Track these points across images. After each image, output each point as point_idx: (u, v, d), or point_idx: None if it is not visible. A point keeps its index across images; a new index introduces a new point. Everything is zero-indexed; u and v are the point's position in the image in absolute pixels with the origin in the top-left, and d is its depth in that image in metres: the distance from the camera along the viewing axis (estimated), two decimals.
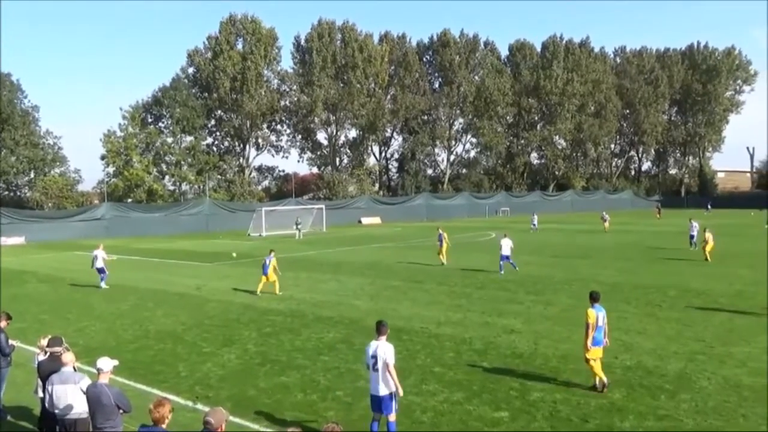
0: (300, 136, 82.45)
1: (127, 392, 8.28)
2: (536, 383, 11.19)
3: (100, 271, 24.12)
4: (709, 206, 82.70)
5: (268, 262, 21.43)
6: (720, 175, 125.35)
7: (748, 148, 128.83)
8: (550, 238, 43.98)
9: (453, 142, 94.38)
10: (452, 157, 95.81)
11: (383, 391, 8.33)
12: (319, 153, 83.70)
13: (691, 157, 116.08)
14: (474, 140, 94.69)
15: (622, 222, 60.64)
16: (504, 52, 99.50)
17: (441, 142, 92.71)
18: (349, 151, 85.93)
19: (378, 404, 8.41)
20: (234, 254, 34.68)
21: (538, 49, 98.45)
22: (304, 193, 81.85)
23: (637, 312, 17.39)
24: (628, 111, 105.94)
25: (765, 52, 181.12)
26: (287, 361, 13.01)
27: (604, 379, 10.76)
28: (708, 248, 29.29)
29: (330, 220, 60.41)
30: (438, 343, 14.22)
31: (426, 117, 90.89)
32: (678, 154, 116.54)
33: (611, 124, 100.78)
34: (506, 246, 26.19)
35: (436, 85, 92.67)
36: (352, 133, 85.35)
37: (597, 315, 10.89)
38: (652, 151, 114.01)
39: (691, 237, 34.86)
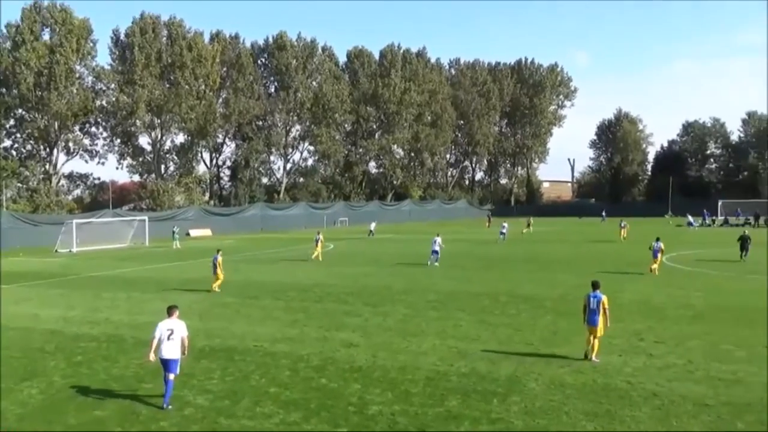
0: (119, 140, 77.28)
1: None
2: (375, 397, 11.42)
3: None
4: (603, 214, 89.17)
5: (215, 261, 24.57)
6: (545, 185, 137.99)
7: (569, 159, 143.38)
8: (389, 248, 45.36)
9: (290, 150, 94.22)
10: (289, 166, 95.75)
11: (175, 355, 11.15)
12: (141, 159, 79.09)
13: (519, 168, 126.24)
14: (311, 148, 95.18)
15: (455, 230, 64.24)
16: (342, 59, 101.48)
17: (277, 150, 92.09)
18: (176, 157, 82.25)
19: (168, 366, 11.10)
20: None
21: (377, 57, 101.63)
22: (124, 203, 76.96)
23: (471, 319, 18.45)
24: (462, 122, 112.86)
25: (584, 71, 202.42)
26: (102, 392, 12.07)
27: (592, 354, 13.54)
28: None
29: (154, 233, 57.35)
30: (273, 361, 14.01)
31: (261, 123, 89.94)
32: (508, 165, 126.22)
33: (447, 134, 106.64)
34: (436, 244, 33.17)
35: (272, 90, 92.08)
36: (180, 138, 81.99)
37: (591, 300, 13.58)
38: (485, 161, 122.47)
39: (502, 234, 48.83)
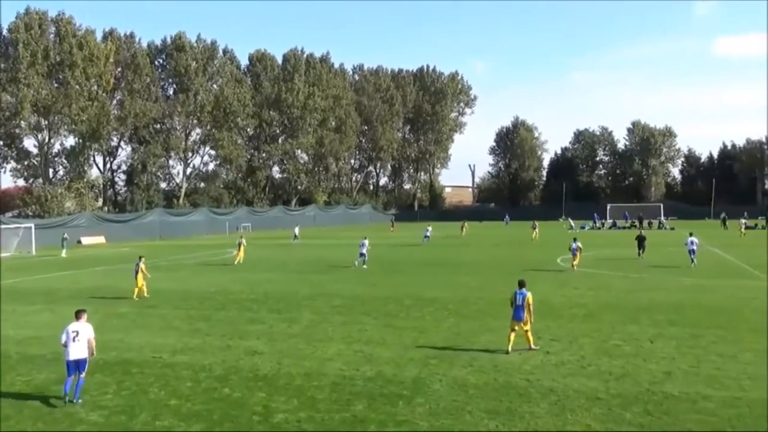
0: (1, 143, 72.35)
1: None
2: (280, 404, 11.27)
3: None
4: (507, 218, 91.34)
5: (138, 267, 24.19)
6: (447, 190, 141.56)
7: (469, 165, 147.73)
8: (293, 254, 44.98)
9: (190, 154, 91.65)
10: (189, 170, 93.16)
11: (82, 355, 11.61)
12: (27, 163, 74.24)
13: (422, 173, 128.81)
14: (213, 152, 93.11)
15: (360, 236, 64.52)
16: (244, 62, 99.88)
17: (176, 154, 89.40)
18: (65, 161, 77.79)
19: (76, 366, 11.49)
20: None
21: (280, 61, 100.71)
22: (8, 209, 71.86)
23: (377, 323, 18.60)
24: (366, 127, 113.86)
25: (482, 80, 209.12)
26: None
27: (531, 343, 14.75)
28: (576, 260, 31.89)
29: (41, 241, 54.03)
30: (174, 373, 13.53)
31: (159, 126, 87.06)
32: (411, 170, 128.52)
33: (351, 139, 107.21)
34: (364, 247, 34.61)
35: (171, 92, 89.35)
36: (70, 141, 77.62)
37: (517, 296, 14.64)
38: (389, 166, 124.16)
39: (426, 237, 51.22)
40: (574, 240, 32.76)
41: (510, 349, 14.52)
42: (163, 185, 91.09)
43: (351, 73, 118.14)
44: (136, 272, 24.49)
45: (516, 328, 14.66)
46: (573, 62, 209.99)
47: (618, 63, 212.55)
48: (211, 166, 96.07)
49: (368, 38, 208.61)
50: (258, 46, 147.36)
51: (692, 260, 32.52)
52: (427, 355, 14.61)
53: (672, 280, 27.20)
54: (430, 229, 56.22)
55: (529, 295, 14.67)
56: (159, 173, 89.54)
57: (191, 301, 23.46)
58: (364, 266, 34.02)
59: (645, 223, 74.42)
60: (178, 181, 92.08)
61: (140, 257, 25.31)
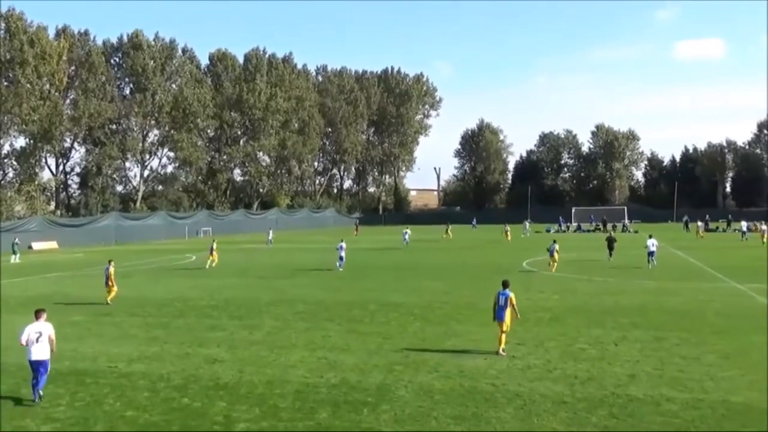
0: None
1: None
2: (242, 414, 11.13)
3: None
4: (474, 222, 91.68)
5: (107, 272, 24.08)
6: (412, 193, 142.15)
7: (435, 168, 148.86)
8: (255, 259, 44.60)
9: (147, 156, 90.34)
10: (146, 173, 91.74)
11: (45, 356, 11.85)
12: None
13: (387, 176, 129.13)
14: (171, 154, 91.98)
15: (323, 240, 64.40)
16: (204, 61, 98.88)
17: (133, 156, 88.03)
18: (15, 163, 75.88)
19: (38, 367, 11.73)
20: None
21: (241, 61, 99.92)
22: None
23: (340, 329, 18.53)
24: (330, 129, 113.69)
25: (447, 82, 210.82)
26: None
27: (500, 348, 14.88)
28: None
29: None
30: (130, 383, 13.26)
31: (115, 126, 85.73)
32: (376, 173, 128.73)
33: (314, 141, 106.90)
34: (342, 250, 35.67)
35: (127, 92, 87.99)
36: (20, 142, 75.76)
37: (500, 297, 14.97)
38: (353, 169, 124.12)
39: (404, 240, 52.53)
40: (554, 242, 34.14)
41: (501, 350, 14.90)
42: (119, 188, 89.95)
43: (314, 74, 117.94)
44: (107, 277, 24.31)
45: (503, 328, 15.04)
46: (537, 64, 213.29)
47: (582, 66, 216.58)
48: (169, 169, 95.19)
49: (332, 39, 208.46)
50: (219, 46, 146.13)
51: (649, 261, 34.09)
52: (392, 361, 14.61)
53: (635, 283, 27.74)
54: (408, 231, 56.94)
55: (512, 295, 15.06)
56: (115, 176, 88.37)
57: (148, 308, 23.05)
58: (340, 269, 35.17)
59: (609, 226, 75.81)
60: (134, 183, 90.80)
61: (110, 261, 25.11)
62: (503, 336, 15.02)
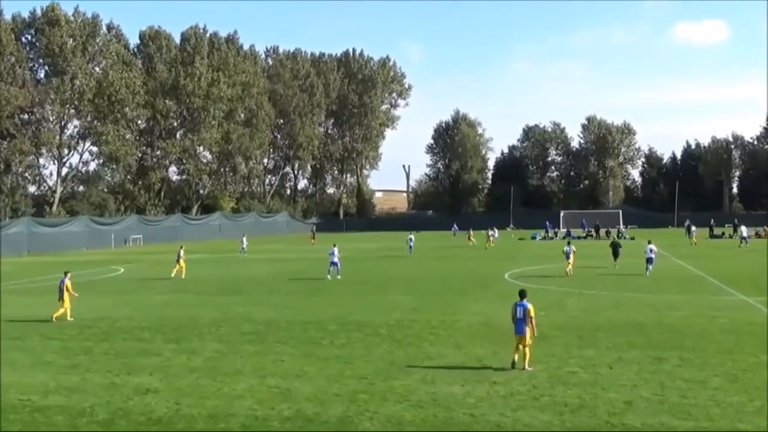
0: None
1: None
2: None
3: None
4: (455, 227, 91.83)
5: (62, 285, 24.22)
6: (378, 195, 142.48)
7: (404, 166, 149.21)
8: (195, 272, 44.16)
9: (66, 151, 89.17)
10: (65, 171, 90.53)
11: None
12: None
13: (348, 175, 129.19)
14: (95, 149, 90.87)
15: (276, 249, 64.18)
16: (134, 41, 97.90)
17: (48, 150, 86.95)
18: None
19: None
20: None
21: (177, 41, 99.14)
22: None
23: (295, 352, 18.47)
24: (282, 121, 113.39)
25: (418, 66, 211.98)
26: None
27: (524, 363, 15.50)
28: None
29: None
30: (45, 418, 13.03)
31: (27, 116, 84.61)
32: (336, 171, 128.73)
33: (264, 134, 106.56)
34: (335, 255, 36.89)
35: (42, 75, 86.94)
36: None
37: (517, 309, 15.65)
38: (309, 167, 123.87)
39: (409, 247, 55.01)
40: (569, 244, 37.37)
41: (515, 360, 15.71)
42: (32, 189, 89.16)
43: (264, 56, 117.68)
44: (61, 290, 24.45)
45: (520, 345, 15.65)
46: (519, 48, 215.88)
47: (568, 50, 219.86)
48: (92, 166, 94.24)
49: (284, 16, 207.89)
50: (151, 23, 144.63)
51: (647, 268, 36.07)
52: (356, 389, 14.60)
53: (631, 297, 28.21)
54: (412, 237, 58.14)
55: (530, 307, 15.68)
56: (27, 174, 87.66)
57: (67, 331, 22.67)
58: (338, 276, 37.14)
59: (602, 232, 76.97)
60: (50, 184, 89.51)
61: (66, 273, 25.21)
62: (526, 350, 15.60)
